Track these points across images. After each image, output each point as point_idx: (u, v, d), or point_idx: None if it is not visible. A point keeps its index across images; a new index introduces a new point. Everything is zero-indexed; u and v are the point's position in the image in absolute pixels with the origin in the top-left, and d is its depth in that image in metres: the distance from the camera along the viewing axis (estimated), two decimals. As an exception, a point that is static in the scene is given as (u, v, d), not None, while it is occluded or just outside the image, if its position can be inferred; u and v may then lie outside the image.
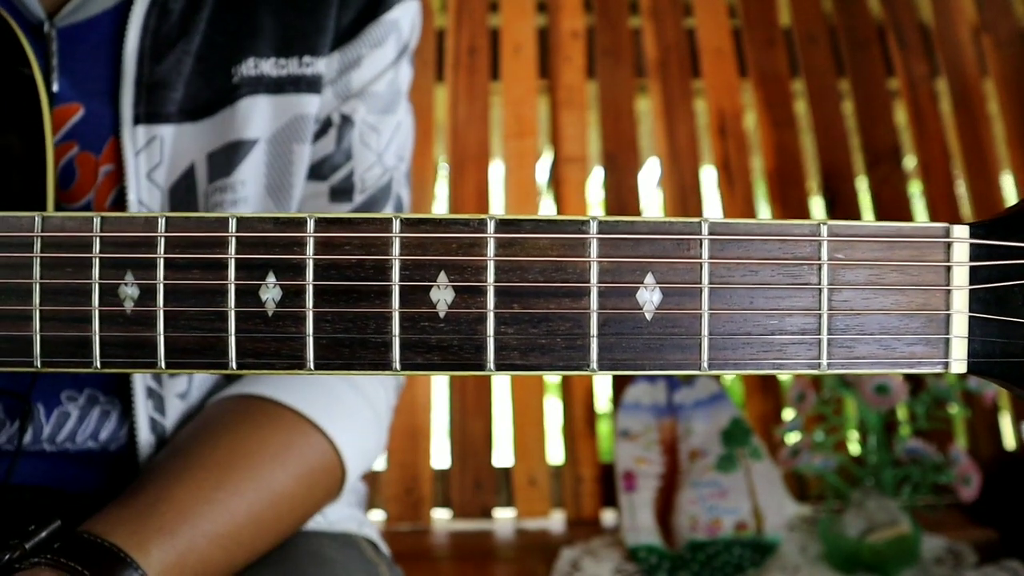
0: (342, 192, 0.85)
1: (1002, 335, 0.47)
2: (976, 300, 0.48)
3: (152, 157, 0.77)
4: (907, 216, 2.28)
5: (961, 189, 2.31)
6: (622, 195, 2.26)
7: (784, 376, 2.18)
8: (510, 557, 1.93)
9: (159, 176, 0.78)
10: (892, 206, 2.26)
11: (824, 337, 0.48)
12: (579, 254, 0.49)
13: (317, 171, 0.85)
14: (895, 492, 1.77)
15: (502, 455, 2.10)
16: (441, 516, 2.08)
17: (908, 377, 1.84)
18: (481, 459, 2.08)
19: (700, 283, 0.47)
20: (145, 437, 0.79)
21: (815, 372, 0.48)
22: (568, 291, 0.49)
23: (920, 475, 1.77)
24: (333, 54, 0.84)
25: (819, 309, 0.48)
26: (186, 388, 0.83)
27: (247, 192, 0.81)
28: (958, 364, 0.48)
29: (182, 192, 0.80)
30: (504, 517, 2.07)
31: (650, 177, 2.42)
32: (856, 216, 2.27)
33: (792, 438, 1.84)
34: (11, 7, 0.74)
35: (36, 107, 0.66)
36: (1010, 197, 2.32)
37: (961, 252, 0.48)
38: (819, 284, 0.47)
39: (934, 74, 2.38)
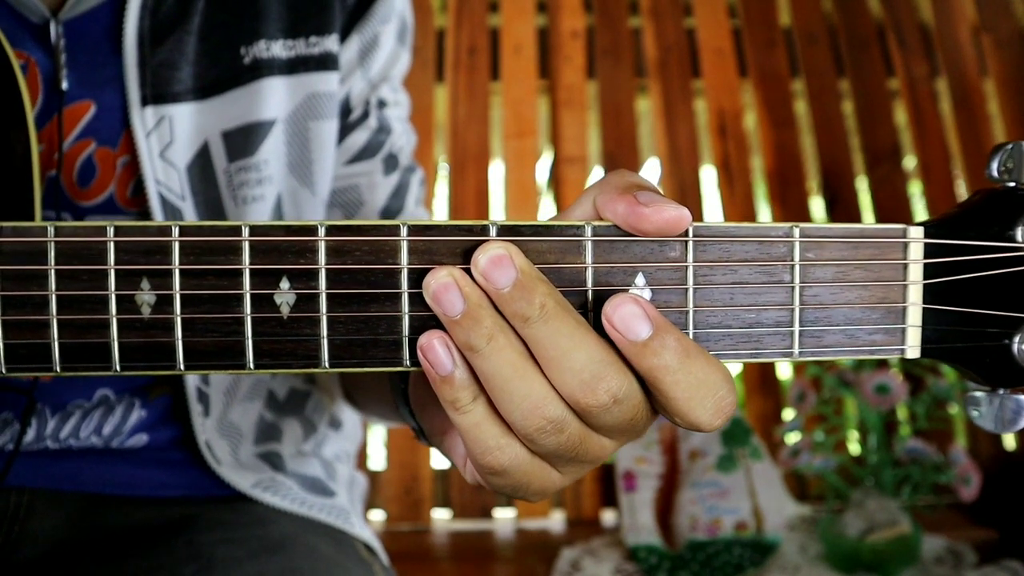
0: (390, 164, 0.93)
1: (951, 323, 0.53)
2: (929, 293, 0.53)
3: (163, 137, 0.78)
4: (907, 216, 2.28)
5: (961, 189, 2.31)
6: (622, 195, 2.25)
7: (784, 376, 2.19)
8: (510, 557, 1.93)
9: (174, 156, 0.78)
10: (892, 206, 2.26)
11: (796, 329, 0.52)
12: (576, 258, 0.51)
13: (368, 151, 0.92)
14: (895, 492, 1.77)
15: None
16: (441, 516, 2.08)
17: (908, 377, 1.84)
18: (481, 459, 2.08)
19: (686, 284, 0.51)
20: (200, 435, 0.83)
21: (788, 360, 0.53)
22: (566, 293, 0.50)
23: (920, 475, 1.77)
24: (351, 36, 0.88)
25: (792, 304, 0.52)
26: (229, 384, 0.86)
27: (271, 171, 0.83)
28: (913, 350, 0.54)
29: (198, 171, 0.80)
30: (504, 517, 2.07)
31: (650, 177, 2.41)
32: (856, 216, 2.27)
33: (792, 438, 1.84)
34: (9, 8, 0.73)
35: (20, 110, 0.64)
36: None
37: (916, 250, 0.53)
38: (792, 282, 0.52)
39: (934, 74, 2.38)
